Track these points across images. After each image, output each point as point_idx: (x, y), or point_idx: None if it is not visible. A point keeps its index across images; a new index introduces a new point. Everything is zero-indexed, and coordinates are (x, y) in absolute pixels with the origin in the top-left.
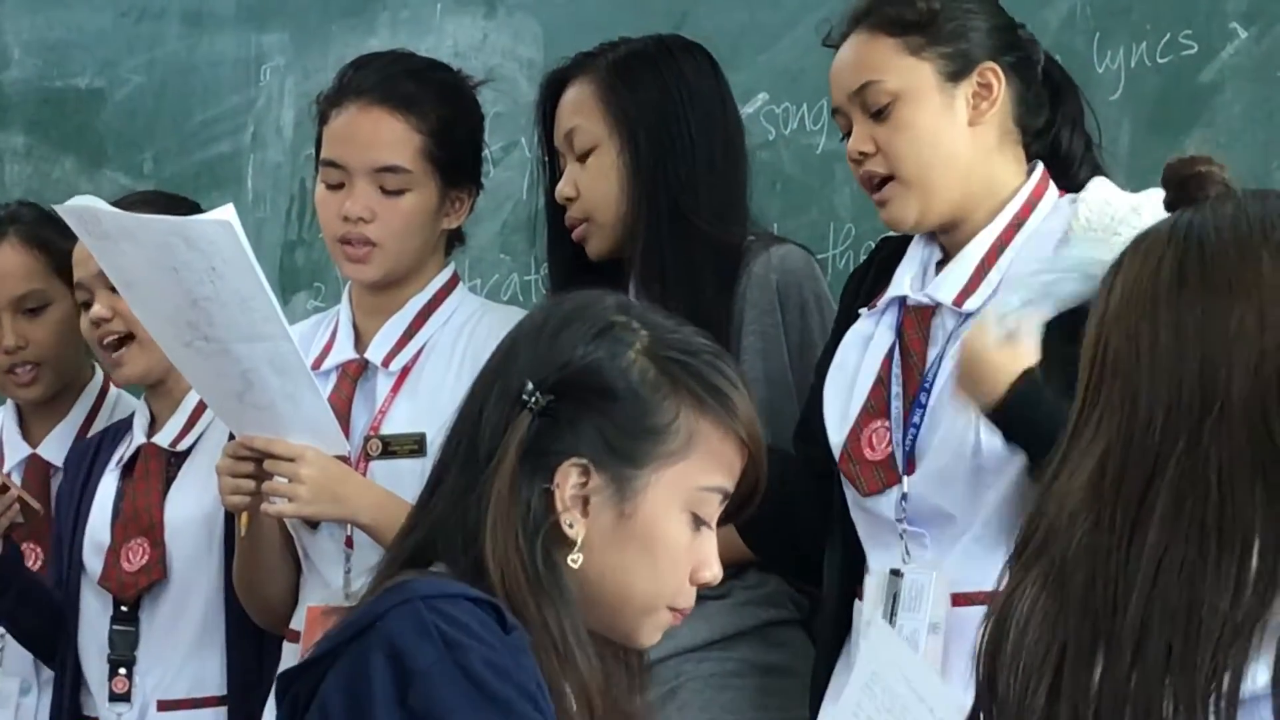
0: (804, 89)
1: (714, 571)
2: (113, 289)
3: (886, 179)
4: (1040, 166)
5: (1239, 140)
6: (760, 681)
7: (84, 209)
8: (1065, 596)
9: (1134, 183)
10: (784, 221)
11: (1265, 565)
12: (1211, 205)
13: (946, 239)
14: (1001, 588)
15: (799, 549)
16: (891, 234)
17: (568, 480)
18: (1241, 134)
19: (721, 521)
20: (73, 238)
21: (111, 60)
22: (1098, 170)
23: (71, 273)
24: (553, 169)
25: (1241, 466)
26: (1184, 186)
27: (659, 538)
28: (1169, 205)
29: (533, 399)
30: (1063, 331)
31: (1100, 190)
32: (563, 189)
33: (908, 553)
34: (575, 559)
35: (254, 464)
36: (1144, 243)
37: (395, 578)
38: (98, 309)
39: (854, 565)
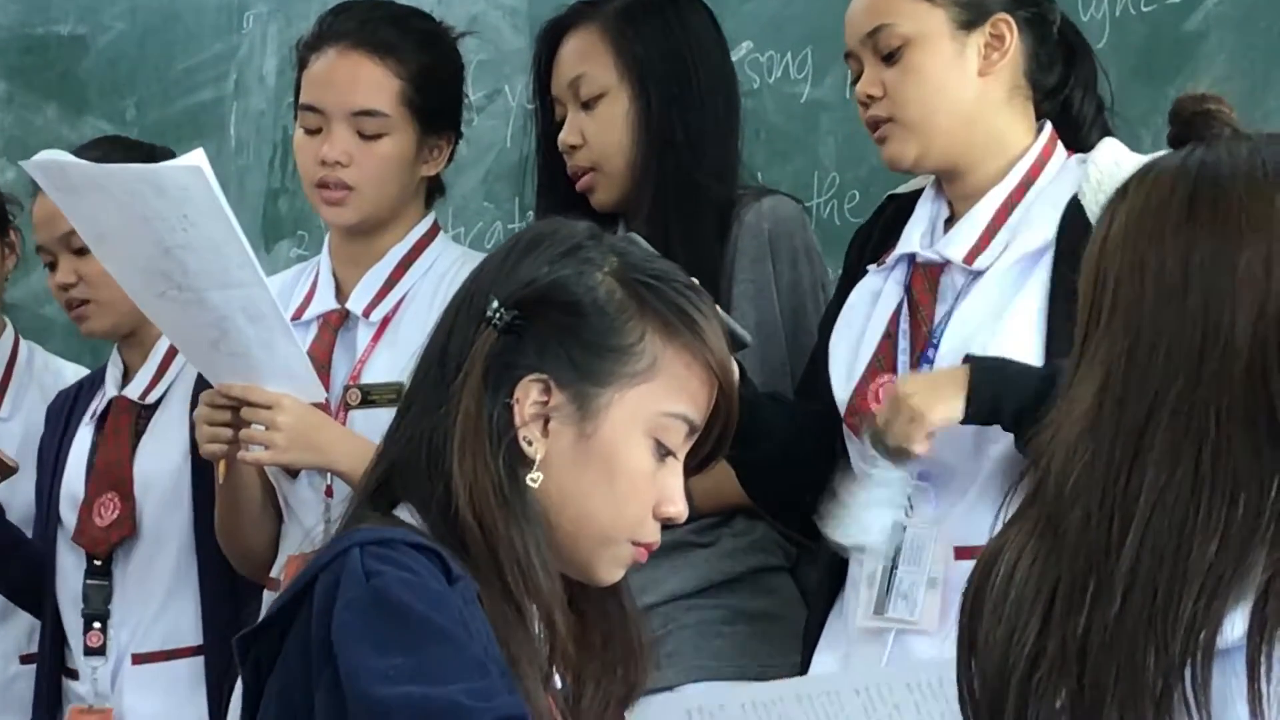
0: (788, 37)
1: (678, 507)
2: (74, 252)
3: (887, 120)
4: (1049, 126)
5: (1223, 89)
6: (749, 628)
7: (50, 163)
8: (1060, 534)
9: (1120, 132)
10: (768, 170)
11: (1248, 515)
12: (1226, 144)
13: (953, 193)
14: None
15: (798, 498)
16: (897, 191)
17: (528, 396)
18: (1226, 82)
19: (699, 465)
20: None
21: (93, 7)
22: (1108, 133)
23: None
24: (545, 118)
25: (1237, 411)
26: (1190, 124)
27: (619, 460)
28: (1173, 141)
29: (497, 315)
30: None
31: (1111, 151)
32: (567, 137)
33: (911, 506)
34: (535, 478)
35: (231, 412)
36: (1151, 173)
37: (360, 520)
38: (61, 274)
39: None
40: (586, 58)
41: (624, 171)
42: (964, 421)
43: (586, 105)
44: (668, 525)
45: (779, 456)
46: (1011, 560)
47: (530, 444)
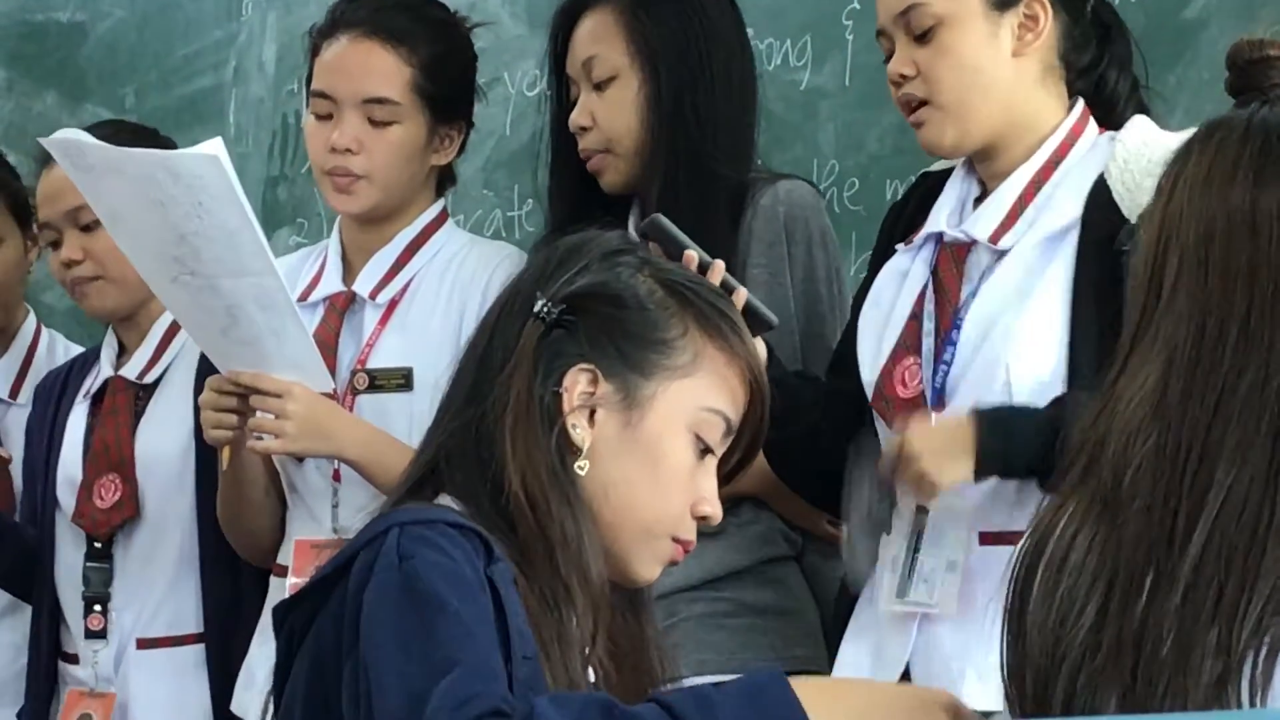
0: (788, 25)
1: (714, 508)
2: (81, 229)
3: (924, 102)
4: (1081, 103)
5: (1223, 77)
6: (752, 621)
7: (69, 141)
8: (1119, 522)
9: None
10: (768, 158)
11: None
12: None
13: (985, 172)
14: (1044, 507)
15: (828, 477)
16: (930, 169)
17: (576, 385)
18: (1225, 71)
19: (733, 470)
20: (20, 177)
21: None
22: (1142, 111)
23: (20, 211)
24: (561, 99)
25: None
26: (1246, 71)
27: (663, 453)
28: (1231, 89)
29: (544, 310)
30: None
31: (1139, 130)
32: (577, 118)
33: None
34: (583, 465)
35: (236, 398)
36: (1216, 135)
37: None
38: (67, 250)
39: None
40: (600, 39)
41: (633, 154)
42: (975, 480)
43: (598, 87)
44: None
45: (808, 436)
46: (1064, 545)
47: (577, 430)
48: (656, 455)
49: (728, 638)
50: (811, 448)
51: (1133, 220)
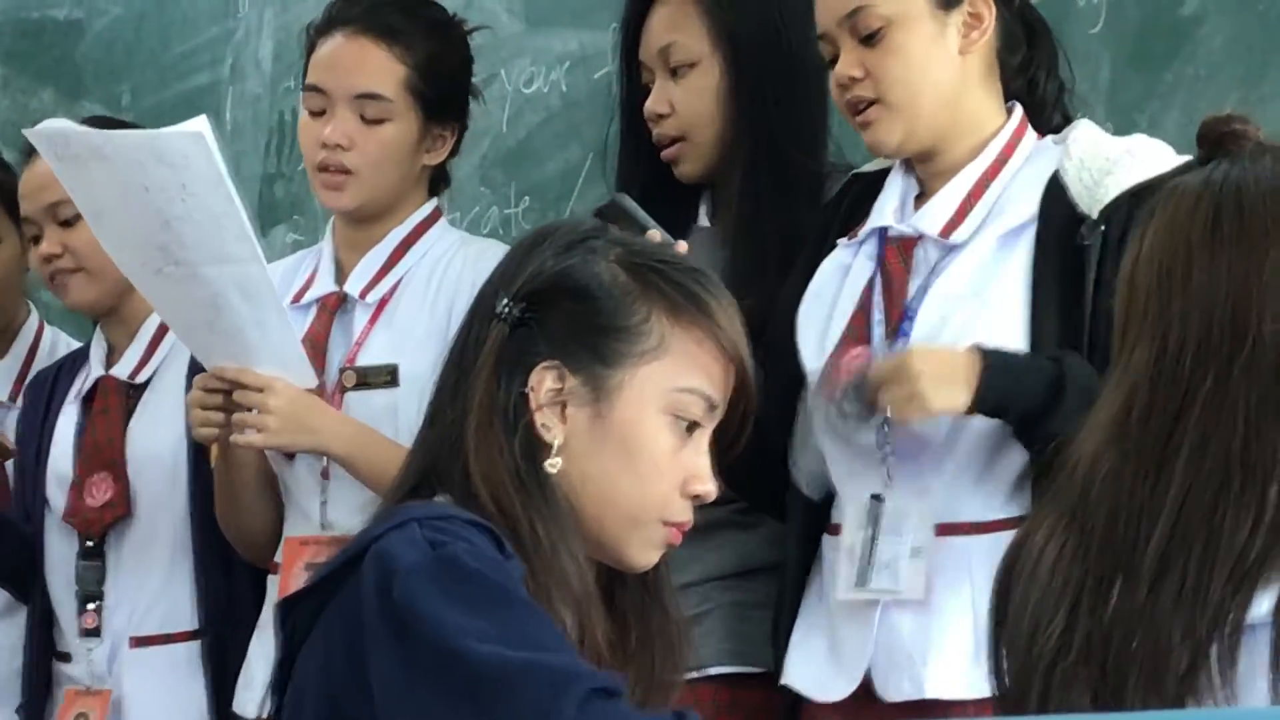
0: None
1: (706, 485)
2: (61, 224)
3: (872, 103)
4: (1019, 107)
5: (1220, 73)
6: None
7: (54, 131)
8: (1086, 531)
9: (1115, 116)
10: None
11: None
12: (1249, 158)
13: (924, 171)
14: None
15: (766, 474)
16: (863, 170)
17: (542, 383)
18: (1222, 67)
19: (728, 445)
20: (16, 174)
21: None
22: (1068, 115)
23: (16, 208)
24: (630, 85)
25: (1268, 404)
26: (1219, 143)
27: (638, 439)
28: (1202, 161)
29: (505, 309)
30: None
31: (1089, 132)
32: (654, 105)
33: (890, 478)
34: (554, 463)
35: (223, 395)
36: (1177, 191)
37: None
38: (46, 245)
39: (829, 497)
40: (678, 26)
41: (712, 143)
42: (966, 413)
43: (675, 73)
44: (701, 505)
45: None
46: (1037, 551)
47: (548, 430)
48: (631, 442)
49: (754, 629)
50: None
51: (1093, 216)
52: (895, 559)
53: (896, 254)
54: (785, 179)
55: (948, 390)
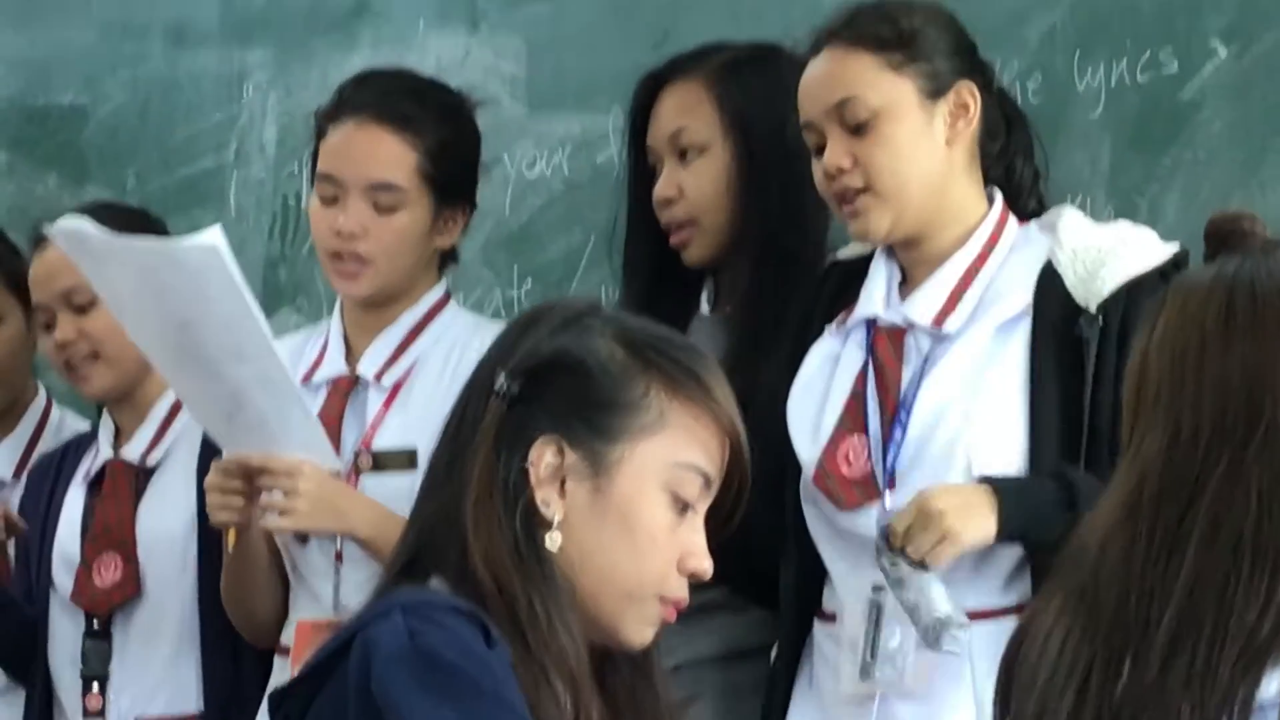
0: None
1: (703, 562)
2: (76, 310)
3: (860, 190)
4: (999, 193)
5: (1219, 158)
6: None
7: (73, 230)
8: (1096, 611)
9: (1115, 200)
10: None
11: None
12: (1261, 252)
13: (907, 258)
14: (1027, 608)
15: (756, 567)
16: (840, 257)
17: (542, 457)
18: (1222, 152)
19: (723, 522)
20: (23, 255)
21: (94, 77)
22: (1042, 201)
23: (21, 288)
24: (638, 170)
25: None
26: (1225, 241)
27: (636, 514)
28: (1208, 256)
29: (503, 386)
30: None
31: (1076, 220)
32: (663, 190)
33: (886, 570)
34: (554, 539)
35: (242, 480)
36: (1188, 282)
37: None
38: (61, 332)
39: (810, 585)
40: (688, 110)
41: (721, 227)
42: (997, 541)
43: (684, 157)
44: (696, 584)
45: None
46: (1043, 635)
47: (548, 505)
48: (630, 518)
49: (750, 710)
50: (740, 539)
51: (1091, 309)
52: (899, 651)
53: (887, 343)
54: (787, 267)
55: (975, 522)
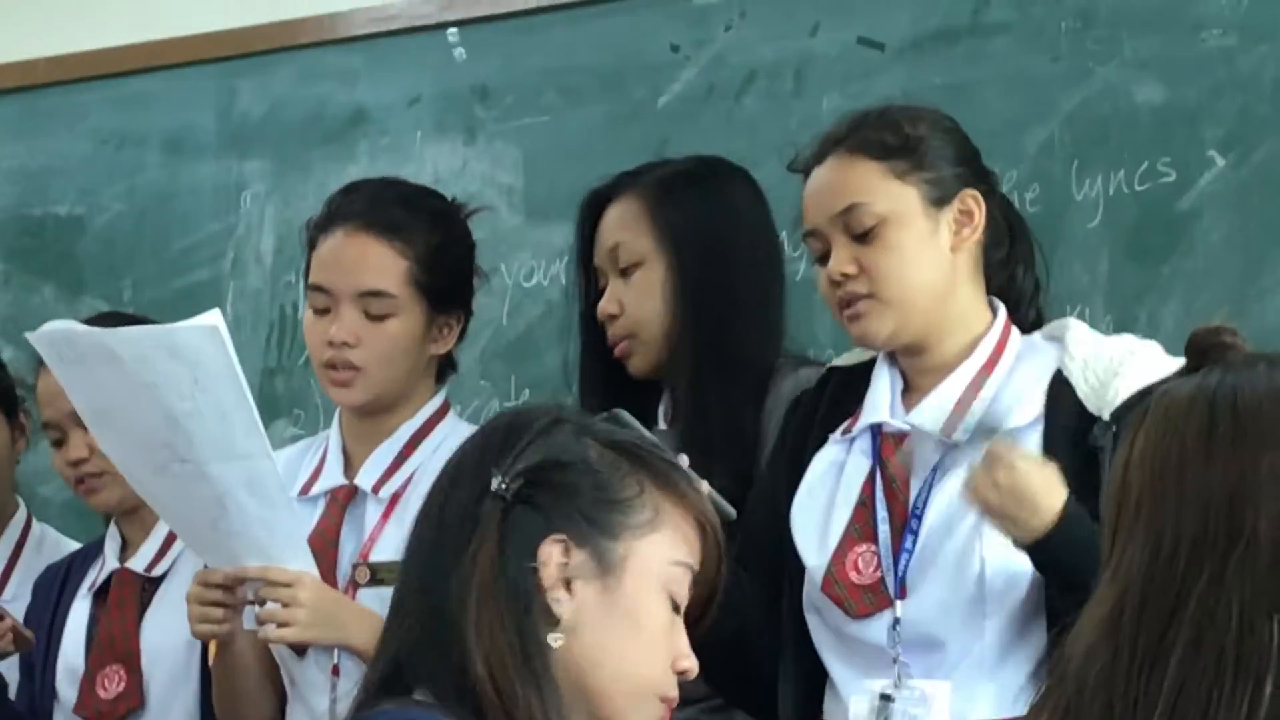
0: (781, 216)
1: (692, 661)
2: (85, 427)
3: (864, 296)
4: (1001, 304)
5: (1217, 268)
6: None
7: (57, 333)
8: None
9: (1113, 310)
10: None
11: (1277, 696)
12: (1242, 364)
13: (910, 365)
14: None
15: (753, 675)
16: (838, 363)
17: (551, 557)
18: (1220, 261)
19: (695, 621)
20: (7, 368)
21: (91, 188)
22: (1041, 312)
23: (7, 401)
24: (588, 288)
25: (1262, 602)
26: (1206, 354)
27: (644, 613)
28: (1191, 370)
29: (502, 486)
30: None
31: (1084, 333)
32: (605, 306)
33: (899, 678)
34: (558, 638)
35: (223, 591)
36: (1169, 395)
37: (373, 707)
38: (73, 450)
39: (810, 694)
40: (625, 226)
41: (659, 339)
42: (1023, 549)
43: (624, 273)
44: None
45: (737, 634)
46: None
47: (559, 604)
48: (638, 617)
49: None
50: (738, 646)
51: (1105, 417)
52: None
53: (895, 451)
54: (732, 374)
55: (1017, 515)
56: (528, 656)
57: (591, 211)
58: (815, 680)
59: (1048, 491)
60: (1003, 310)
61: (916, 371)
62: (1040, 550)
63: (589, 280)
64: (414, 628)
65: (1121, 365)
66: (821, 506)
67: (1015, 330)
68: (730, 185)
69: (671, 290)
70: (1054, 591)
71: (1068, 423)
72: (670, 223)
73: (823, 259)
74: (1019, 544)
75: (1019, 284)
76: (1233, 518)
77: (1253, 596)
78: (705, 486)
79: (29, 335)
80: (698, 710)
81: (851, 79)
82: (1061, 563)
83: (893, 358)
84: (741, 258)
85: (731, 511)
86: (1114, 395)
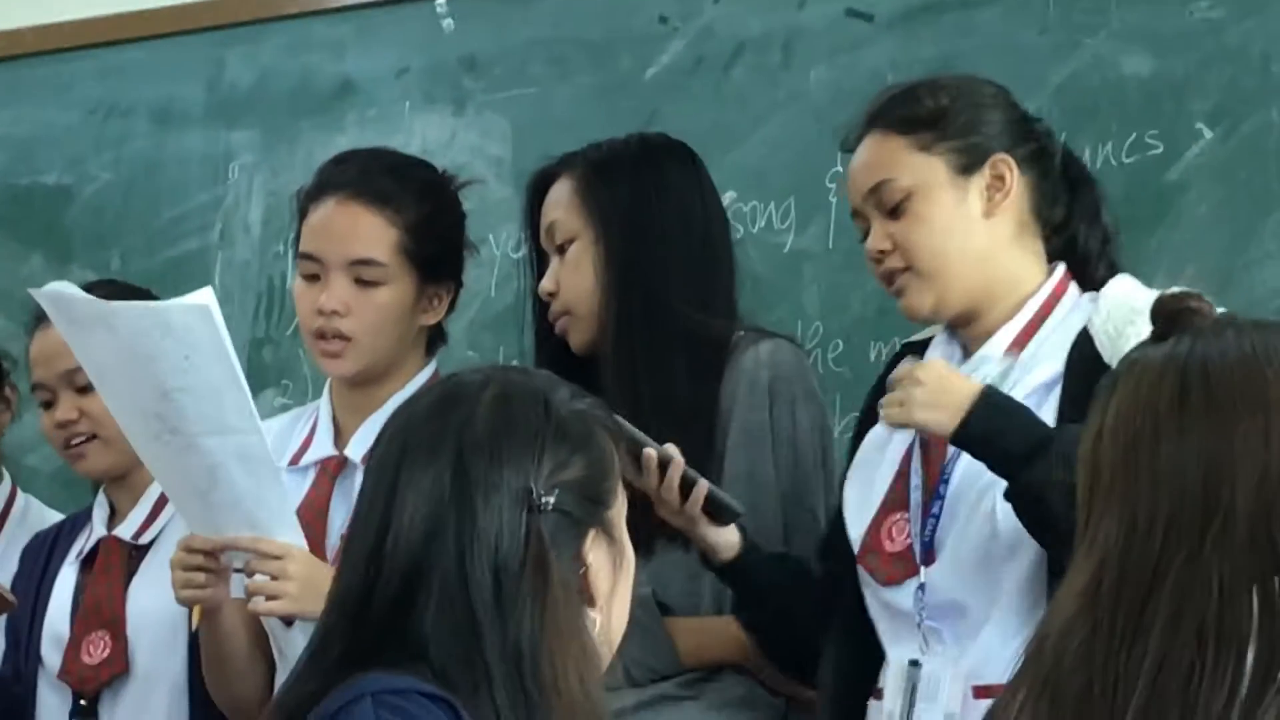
0: (772, 187)
1: None
2: (78, 390)
3: (903, 270)
4: (1062, 267)
5: (1204, 239)
6: None
7: (59, 294)
8: (1059, 703)
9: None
10: (751, 319)
11: (1259, 668)
12: (1211, 330)
13: (967, 335)
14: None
15: (807, 654)
16: (911, 339)
17: (592, 554)
18: (1207, 233)
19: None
20: (8, 340)
21: (79, 157)
22: (1115, 267)
23: None
24: (539, 266)
25: (1241, 574)
26: (1173, 320)
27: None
28: (1158, 336)
29: (542, 501)
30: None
31: (1121, 285)
32: (545, 284)
33: (926, 643)
34: (595, 619)
35: (206, 557)
36: (1138, 364)
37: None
38: (62, 412)
39: (868, 665)
40: (559, 205)
41: (592, 314)
42: (951, 442)
43: (561, 251)
44: (652, 680)
45: (782, 616)
46: None
47: (596, 584)
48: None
49: None
50: (786, 627)
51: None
52: None
53: None
54: (663, 347)
55: (936, 410)
56: (584, 646)
57: (536, 191)
58: (871, 650)
59: (964, 381)
60: (1059, 271)
61: (971, 339)
62: (964, 427)
63: (539, 260)
64: (435, 611)
65: (1139, 315)
66: (867, 477)
67: (1072, 290)
68: (665, 161)
69: (599, 266)
70: (1009, 492)
71: (1085, 376)
72: (599, 201)
73: (866, 237)
74: (954, 443)
75: (1082, 243)
76: (1208, 493)
77: (1232, 570)
78: (705, 485)
79: (31, 291)
80: (673, 685)
81: (840, 51)
82: (989, 433)
83: (952, 329)
84: (671, 233)
85: (737, 507)
86: (1125, 344)
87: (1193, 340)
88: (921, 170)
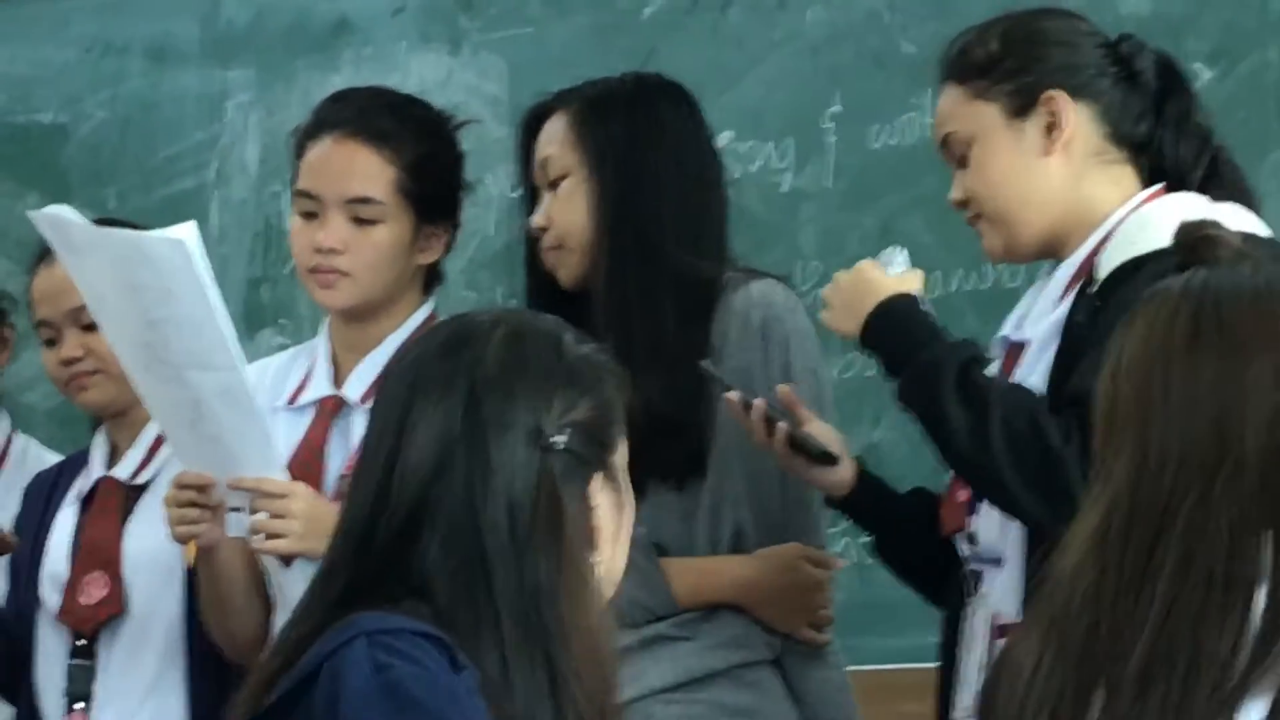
0: (769, 127)
1: None
2: (83, 328)
3: (978, 217)
4: (1155, 187)
5: None
6: None
7: (56, 217)
8: (1066, 642)
9: None
10: (748, 260)
11: (1270, 613)
12: (1227, 265)
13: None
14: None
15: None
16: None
17: (598, 495)
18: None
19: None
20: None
21: (75, 96)
22: (1216, 170)
23: None
24: (532, 202)
25: (1252, 517)
26: (1195, 249)
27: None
28: (1179, 266)
29: (555, 441)
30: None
31: (1177, 200)
32: (536, 218)
33: (973, 589)
34: (598, 561)
35: (197, 491)
36: (1155, 300)
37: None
38: (67, 349)
39: None
40: (553, 141)
41: (582, 249)
42: (861, 344)
43: (553, 186)
44: (648, 620)
45: (901, 551)
46: (1018, 665)
47: (600, 527)
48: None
49: None
50: (908, 559)
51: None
52: (968, 674)
53: (1011, 364)
54: (653, 285)
55: (847, 318)
56: (592, 589)
57: (529, 128)
58: None
59: (879, 287)
60: (1140, 194)
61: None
62: (861, 336)
63: (530, 195)
64: (440, 546)
65: (1125, 233)
66: None
67: (1159, 203)
68: (659, 100)
69: (591, 201)
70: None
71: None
72: (594, 137)
73: None
74: (864, 346)
75: (1170, 154)
76: (1219, 435)
77: (1241, 514)
78: (785, 428)
79: (30, 213)
80: (668, 625)
81: None
82: (877, 344)
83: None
84: (664, 172)
85: (823, 447)
86: (1108, 262)
87: (1208, 274)
88: (978, 118)
